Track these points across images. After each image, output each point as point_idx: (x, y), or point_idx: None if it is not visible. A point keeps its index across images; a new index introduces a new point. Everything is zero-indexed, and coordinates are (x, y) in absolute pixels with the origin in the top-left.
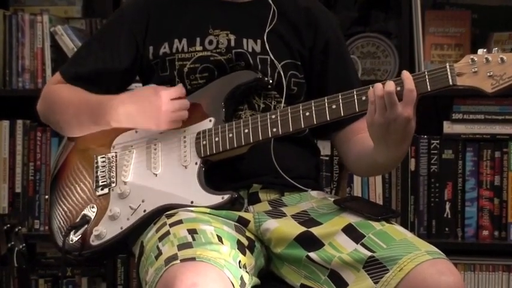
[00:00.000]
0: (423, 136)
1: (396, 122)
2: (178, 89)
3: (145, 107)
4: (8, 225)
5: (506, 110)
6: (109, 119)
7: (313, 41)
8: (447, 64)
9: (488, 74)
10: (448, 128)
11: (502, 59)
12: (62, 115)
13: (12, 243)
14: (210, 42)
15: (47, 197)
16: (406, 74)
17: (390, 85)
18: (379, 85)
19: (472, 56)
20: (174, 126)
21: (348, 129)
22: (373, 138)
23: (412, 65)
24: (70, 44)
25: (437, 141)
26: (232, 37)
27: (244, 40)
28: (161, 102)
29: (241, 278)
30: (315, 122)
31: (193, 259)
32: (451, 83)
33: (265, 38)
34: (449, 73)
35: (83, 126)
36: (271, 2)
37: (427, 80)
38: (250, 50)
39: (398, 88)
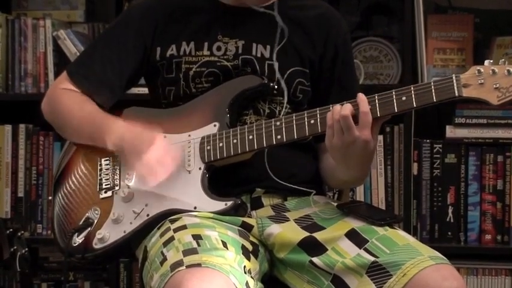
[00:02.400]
0: (426, 140)
1: (354, 145)
2: (175, 155)
3: (136, 147)
4: (11, 230)
5: (509, 114)
6: (107, 140)
7: (324, 47)
8: (453, 75)
9: (494, 86)
10: (450, 132)
11: (508, 71)
12: (64, 124)
13: (15, 247)
14: (218, 48)
15: (50, 197)
16: (361, 97)
17: (346, 109)
18: (336, 108)
19: (478, 67)
20: (153, 177)
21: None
22: (334, 160)
23: (415, 69)
24: (73, 48)
25: (440, 146)
26: (240, 43)
27: (254, 45)
28: (151, 152)
29: (247, 284)
30: (320, 130)
31: (199, 265)
32: (456, 94)
33: (275, 44)
34: (455, 84)
35: (82, 139)
36: (277, 14)
37: (433, 91)
38: (259, 55)
39: (355, 112)
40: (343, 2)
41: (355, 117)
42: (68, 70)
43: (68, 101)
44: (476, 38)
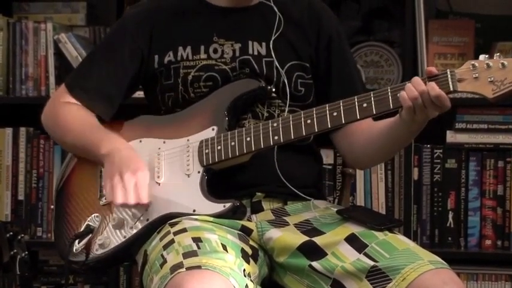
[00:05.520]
0: (426, 145)
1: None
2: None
3: (121, 168)
4: (11, 233)
5: (510, 120)
6: (101, 147)
7: (317, 38)
8: (448, 70)
9: (489, 79)
10: (451, 137)
11: (503, 64)
12: (61, 136)
13: (15, 250)
14: (215, 51)
15: (52, 206)
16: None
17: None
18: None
19: (473, 62)
20: (118, 203)
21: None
22: (401, 127)
23: (415, 74)
24: (74, 51)
25: (441, 151)
26: (237, 46)
27: (250, 43)
28: (130, 179)
29: (246, 287)
30: (316, 130)
31: (199, 267)
32: (451, 89)
33: (271, 42)
34: (450, 79)
35: (78, 151)
36: (275, 9)
37: None
38: (255, 53)
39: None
40: (344, 7)
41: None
42: (66, 83)
43: (68, 115)
44: (477, 43)
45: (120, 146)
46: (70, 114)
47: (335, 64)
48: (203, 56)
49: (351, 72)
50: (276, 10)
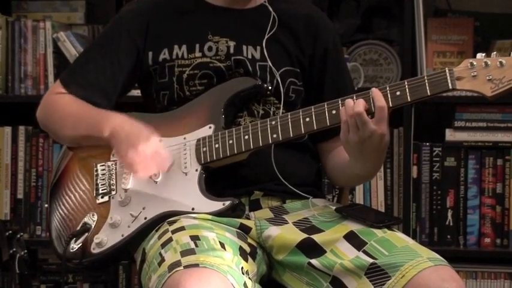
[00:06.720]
0: (425, 143)
1: (371, 140)
2: (168, 155)
3: (131, 139)
4: (10, 232)
5: (509, 118)
6: (104, 128)
7: (312, 49)
8: (446, 68)
9: (487, 77)
10: (450, 135)
11: (501, 62)
12: (60, 126)
13: (14, 249)
14: (210, 49)
15: (46, 205)
16: (375, 92)
17: (359, 105)
18: (349, 103)
19: (471, 60)
20: (142, 174)
21: (331, 140)
22: (350, 155)
23: (414, 73)
24: (72, 50)
25: (440, 149)
26: (231, 44)
27: (244, 47)
28: (144, 147)
29: (245, 285)
30: (315, 128)
31: (196, 265)
32: (450, 87)
33: (263, 45)
34: (448, 77)
35: (79, 138)
36: (271, 10)
37: (427, 84)
38: (249, 56)
39: (368, 106)
40: (343, 5)
41: (368, 110)
42: (61, 79)
43: (66, 101)
44: (476, 41)
45: (121, 123)
46: (68, 101)
47: (329, 74)
48: (198, 54)
49: (345, 83)
50: (271, 9)
